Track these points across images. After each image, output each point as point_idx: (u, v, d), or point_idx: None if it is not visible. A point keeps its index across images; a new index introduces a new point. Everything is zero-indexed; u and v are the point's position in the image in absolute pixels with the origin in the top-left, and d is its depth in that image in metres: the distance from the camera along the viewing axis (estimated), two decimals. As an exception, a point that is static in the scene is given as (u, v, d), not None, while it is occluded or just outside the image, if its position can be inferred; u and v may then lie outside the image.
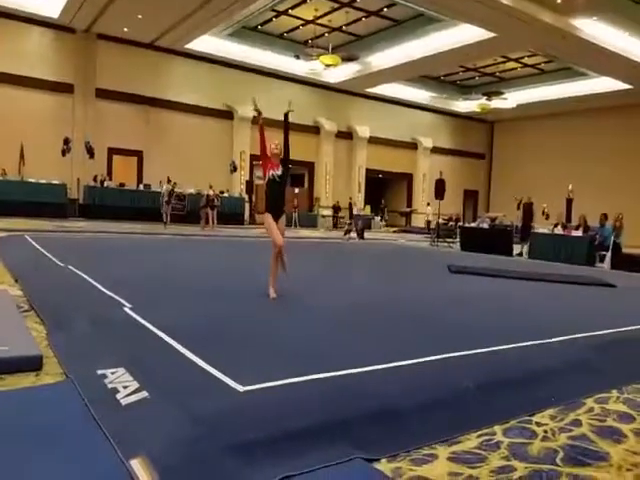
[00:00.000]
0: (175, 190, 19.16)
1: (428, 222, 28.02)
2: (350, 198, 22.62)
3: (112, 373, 3.19)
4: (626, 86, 23.24)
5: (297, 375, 3.17)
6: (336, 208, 23.62)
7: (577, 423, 3.04)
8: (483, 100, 26.71)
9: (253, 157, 25.18)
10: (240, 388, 2.95)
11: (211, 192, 18.92)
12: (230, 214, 21.29)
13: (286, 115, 5.52)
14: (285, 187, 5.54)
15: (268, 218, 5.50)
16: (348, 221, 19.83)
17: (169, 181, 19.25)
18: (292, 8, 19.57)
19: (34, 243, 9.69)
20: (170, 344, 3.74)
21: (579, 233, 13.84)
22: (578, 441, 2.80)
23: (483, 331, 4.79)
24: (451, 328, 4.92)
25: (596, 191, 24.44)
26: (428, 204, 27.83)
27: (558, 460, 2.57)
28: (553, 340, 4.48)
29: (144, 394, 2.88)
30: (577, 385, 3.64)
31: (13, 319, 4.31)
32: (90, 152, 19.70)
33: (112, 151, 21.73)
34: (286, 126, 5.54)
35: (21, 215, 16.55)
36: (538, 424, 3.00)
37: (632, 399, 3.49)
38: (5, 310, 4.58)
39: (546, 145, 29.40)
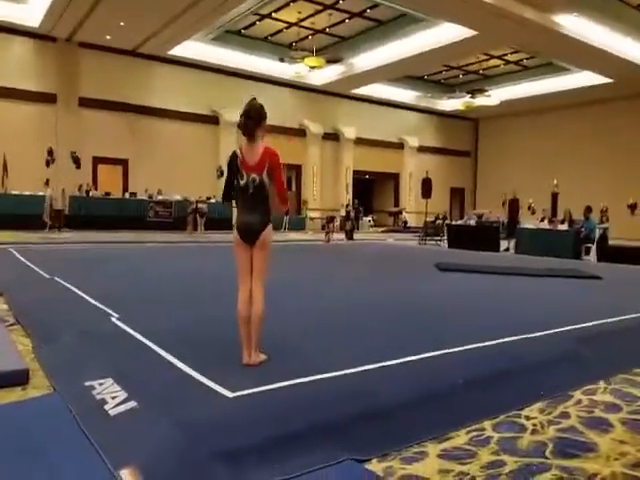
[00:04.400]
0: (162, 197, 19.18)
1: (405, 222, 28.23)
2: (347, 205, 22.39)
3: (100, 384, 3.18)
4: (607, 80, 23.46)
5: (285, 379, 3.18)
6: (330, 219, 22.51)
7: (566, 415, 3.07)
8: (467, 98, 26.86)
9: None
10: (229, 394, 2.95)
11: (201, 206, 18.96)
12: (217, 219, 21.23)
13: None
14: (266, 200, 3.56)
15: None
16: (326, 221, 19.47)
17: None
18: (275, 11, 19.58)
19: (19, 256, 9.61)
20: (158, 352, 3.73)
21: (565, 227, 13.96)
22: (567, 433, 2.82)
23: (470, 327, 4.81)
24: (438, 325, 4.94)
25: (581, 185, 24.65)
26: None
27: (547, 453, 2.59)
28: (540, 334, 4.51)
29: (133, 404, 2.87)
30: (565, 378, 3.67)
31: (-1, 333, 4.28)
32: (76, 162, 19.58)
33: (97, 160, 21.59)
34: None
35: (5, 228, 16.39)
36: (527, 418, 3.02)
37: (619, 389, 3.52)
38: (-10, 324, 4.54)
39: (531, 141, 29.61)
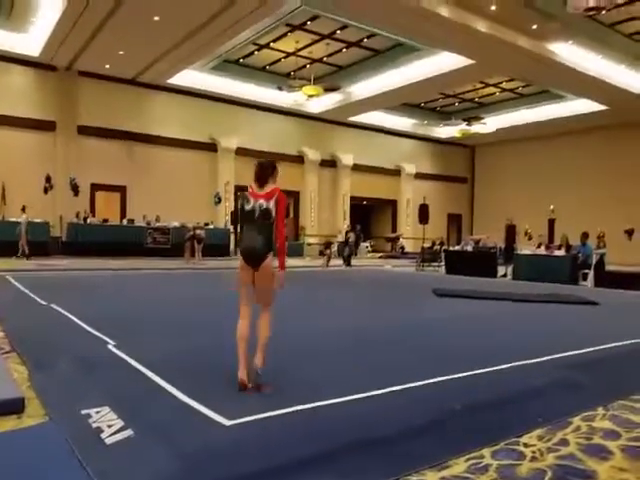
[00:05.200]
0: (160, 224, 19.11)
1: (402, 248, 28.28)
2: (347, 232, 22.39)
3: (97, 412, 3.16)
4: (603, 107, 23.73)
5: (282, 407, 3.16)
6: (327, 244, 22.69)
7: (564, 442, 3.05)
8: (463, 125, 27.13)
9: (238, 188, 25.29)
10: (226, 422, 2.94)
11: (199, 232, 18.96)
12: (215, 245, 21.23)
13: None
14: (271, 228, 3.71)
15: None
16: (324, 247, 19.50)
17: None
18: (273, 41, 19.87)
19: (16, 283, 9.59)
20: (155, 381, 3.71)
21: (561, 252, 13.99)
22: (566, 460, 2.80)
23: (468, 354, 4.80)
24: (436, 352, 4.93)
25: (578, 210, 24.77)
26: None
27: (546, 481, 2.57)
28: (538, 360, 4.50)
29: (129, 432, 2.85)
30: (563, 404, 3.66)
31: (-6, 361, 4.26)
32: (75, 189, 19.65)
33: (95, 187, 21.67)
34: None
35: (2, 255, 16.37)
36: (526, 445, 3.00)
37: (618, 415, 3.50)
38: (-13, 352, 4.51)
39: (527, 167, 29.82)
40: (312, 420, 3.06)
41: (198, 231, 18.72)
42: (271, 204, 3.63)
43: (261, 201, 3.63)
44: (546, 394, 3.79)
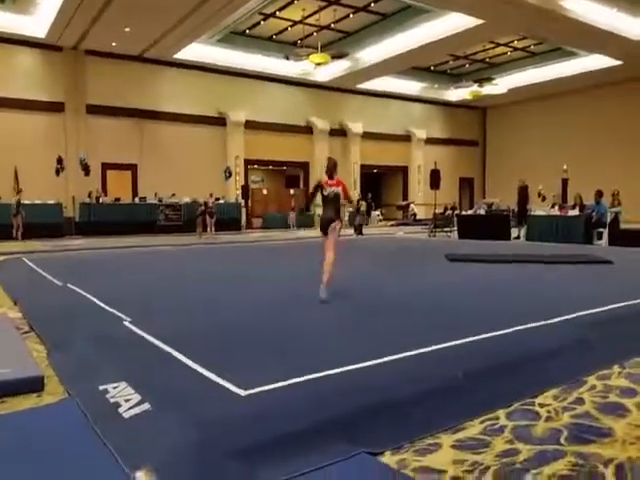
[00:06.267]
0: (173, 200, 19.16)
1: (414, 215, 28.10)
2: (357, 202, 22.37)
3: (114, 388, 3.20)
4: (617, 62, 23.18)
5: (298, 375, 3.19)
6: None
7: (580, 401, 3.05)
8: (474, 87, 26.66)
9: (247, 162, 25.24)
10: (242, 392, 2.97)
11: (210, 201, 18.94)
12: (227, 220, 21.28)
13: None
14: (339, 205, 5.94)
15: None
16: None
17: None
18: (280, 10, 19.58)
19: (32, 264, 9.69)
20: (171, 354, 3.75)
21: (575, 212, 13.84)
22: (582, 419, 2.81)
23: (481, 317, 4.79)
24: (448, 316, 4.92)
25: (592, 169, 24.44)
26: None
27: (562, 440, 2.58)
28: (552, 321, 4.48)
29: (146, 406, 2.89)
30: (579, 364, 3.65)
31: (13, 341, 4.32)
32: (85, 169, 19.72)
33: (106, 166, 21.73)
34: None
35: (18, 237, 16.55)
36: (541, 405, 3.01)
37: (634, 373, 3.49)
38: (5, 333, 4.58)
39: (539, 127, 29.38)
40: (326, 388, 3.07)
41: (211, 203, 18.72)
42: (339, 189, 5.80)
43: (333, 188, 5.76)
44: (561, 354, 3.78)
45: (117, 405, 2.95)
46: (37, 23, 18.75)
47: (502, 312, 5.07)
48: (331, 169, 5.82)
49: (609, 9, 18.46)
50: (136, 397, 3.01)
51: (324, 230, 5.83)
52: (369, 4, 19.17)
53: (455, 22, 19.19)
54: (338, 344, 4.04)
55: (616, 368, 3.59)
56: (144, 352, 3.90)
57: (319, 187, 5.81)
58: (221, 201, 21.81)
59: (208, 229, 18.51)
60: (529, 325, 4.34)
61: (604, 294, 5.86)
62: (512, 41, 23.11)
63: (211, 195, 19.33)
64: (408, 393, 3.05)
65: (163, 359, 3.69)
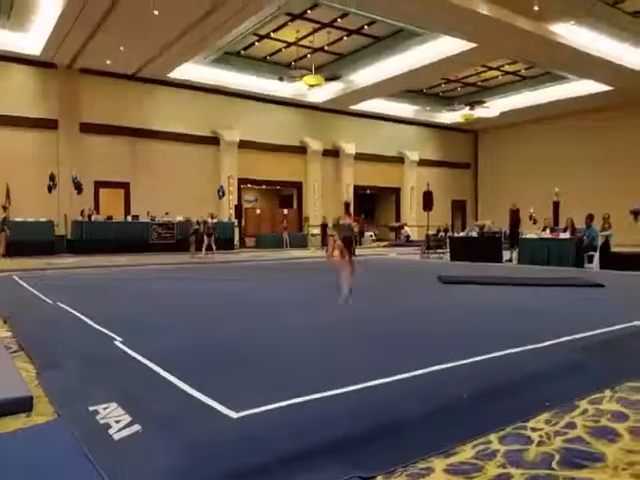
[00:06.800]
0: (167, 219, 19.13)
1: (407, 236, 28.19)
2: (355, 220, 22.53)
3: (104, 408, 3.17)
4: (607, 88, 23.53)
5: (290, 397, 3.17)
6: (324, 226, 23.55)
7: (572, 425, 3.04)
8: (466, 110, 26.97)
9: (241, 181, 25.30)
10: (233, 414, 2.95)
11: (209, 220, 18.92)
12: (220, 239, 21.25)
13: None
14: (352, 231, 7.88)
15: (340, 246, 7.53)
16: (329, 237, 19.54)
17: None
18: (274, 31, 19.77)
19: (22, 283, 9.63)
20: (161, 375, 3.72)
21: (567, 235, 13.92)
22: (574, 444, 2.80)
23: (474, 340, 4.80)
24: (442, 339, 4.92)
25: (583, 193, 24.66)
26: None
27: (554, 464, 2.57)
28: (544, 344, 4.49)
29: (136, 427, 2.87)
30: (570, 387, 3.65)
31: (2, 361, 4.28)
32: (78, 188, 19.68)
33: (99, 184, 21.68)
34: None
35: (8, 255, 16.43)
36: (533, 429, 3.00)
37: (625, 397, 3.49)
38: (-6, 352, 4.54)
39: (530, 150, 29.69)
40: (318, 410, 3.06)
41: (211, 222, 18.66)
42: (352, 222, 7.89)
43: (349, 221, 7.70)
44: (553, 377, 3.79)
45: (107, 426, 2.93)
46: (32, 40, 18.82)
47: (494, 335, 5.08)
48: (347, 208, 8.12)
49: (597, 34, 18.78)
50: (126, 418, 2.99)
51: (345, 243, 7.41)
52: (362, 27, 19.42)
53: (447, 46, 19.48)
54: (330, 366, 4.02)
55: (607, 392, 3.59)
56: (135, 372, 3.88)
57: (339, 219, 7.91)
58: (214, 220, 21.80)
59: (203, 248, 18.42)
60: (521, 348, 4.35)
61: (595, 317, 5.89)
62: (503, 65, 23.44)
63: (211, 215, 19.37)
64: (400, 416, 3.04)
65: (154, 380, 3.67)
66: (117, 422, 2.95)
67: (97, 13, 16.04)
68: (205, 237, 18.24)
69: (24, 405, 3.29)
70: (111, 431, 2.86)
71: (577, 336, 4.79)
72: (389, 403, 3.21)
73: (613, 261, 12.64)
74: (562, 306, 7.11)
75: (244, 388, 3.45)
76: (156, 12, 15.82)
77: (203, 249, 17.98)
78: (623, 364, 4.24)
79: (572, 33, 18.30)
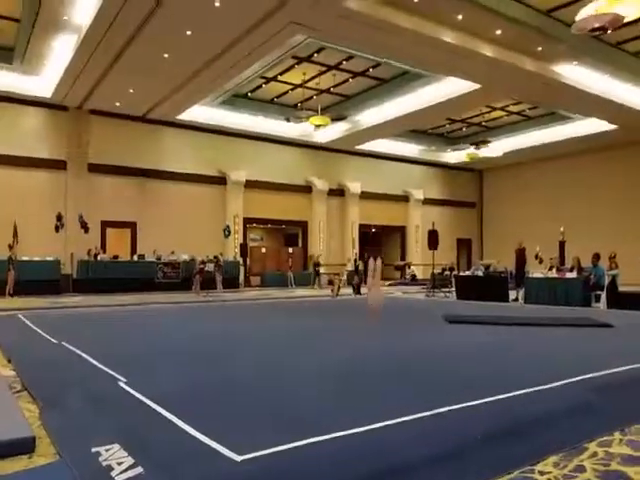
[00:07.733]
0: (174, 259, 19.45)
1: (413, 276, 28.11)
2: (355, 260, 22.69)
3: (107, 450, 3.14)
4: (612, 127, 23.74)
5: (296, 440, 3.13)
6: (316, 264, 23.95)
7: (581, 469, 2.98)
8: (471, 150, 27.23)
9: (246, 220, 25.46)
10: (237, 458, 2.91)
11: (220, 257, 19.24)
12: (225, 278, 21.28)
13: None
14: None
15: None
16: (334, 275, 19.69)
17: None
18: (281, 74, 20.21)
19: (27, 322, 9.63)
20: (166, 416, 3.69)
21: (573, 274, 13.87)
22: (583, 488, 2.75)
23: (481, 381, 4.74)
24: (448, 380, 4.86)
25: (590, 231, 24.66)
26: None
27: (563, 510, 2.52)
28: (552, 385, 4.43)
29: (139, 470, 2.83)
30: (579, 429, 3.59)
31: (5, 401, 4.25)
32: (84, 227, 19.84)
33: (105, 224, 21.87)
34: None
35: (14, 294, 16.49)
36: (541, 473, 2.94)
37: (636, 440, 3.43)
38: (-2, 392, 4.52)
39: (536, 189, 29.82)
40: (324, 454, 3.02)
41: (221, 261, 18.98)
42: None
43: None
44: (562, 419, 3.73)
45: (109, 468, 2.89)
46: (44, 83, 19.27)
47: (501, 376, 5.02)
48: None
49: (601, 75, 19.06)
50: (129, 460, 2.95)
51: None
52: (367, 69, 19.83)
53: (451, 87, 19.85)
54: (335, 407, 3.98)
55: (617, 435, 3.52)
56: (138, 414, 3.84)
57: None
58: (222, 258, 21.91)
59: (218, 286, 18.60)
60: (529, 389, 4.29)
61: (604, 358, 5.82)
62: (507, 105, 23.76)
63: (221, 254, 19.65)
64: (405, 459, 2.99)
65: (158, 421, 3.63)
66: (119, 464, 2.92)
67: (108, 57, 16.48)
68: (217, 274, 18.48)
69: (26, 446, 3.26)
70: (113, 473, 2.83)
71: (586, 377, 4.72)
72: (394, 446, 3.16)
73: (620, 300, 12.57)
74: (571, 346, 7.04)
75: (250, 430, 3.41)
76: (166, 55, 16.25)
77: (218, 286, 18.17)
78: (633, 406, 4.18)
79: (575, 73, 18.57)
